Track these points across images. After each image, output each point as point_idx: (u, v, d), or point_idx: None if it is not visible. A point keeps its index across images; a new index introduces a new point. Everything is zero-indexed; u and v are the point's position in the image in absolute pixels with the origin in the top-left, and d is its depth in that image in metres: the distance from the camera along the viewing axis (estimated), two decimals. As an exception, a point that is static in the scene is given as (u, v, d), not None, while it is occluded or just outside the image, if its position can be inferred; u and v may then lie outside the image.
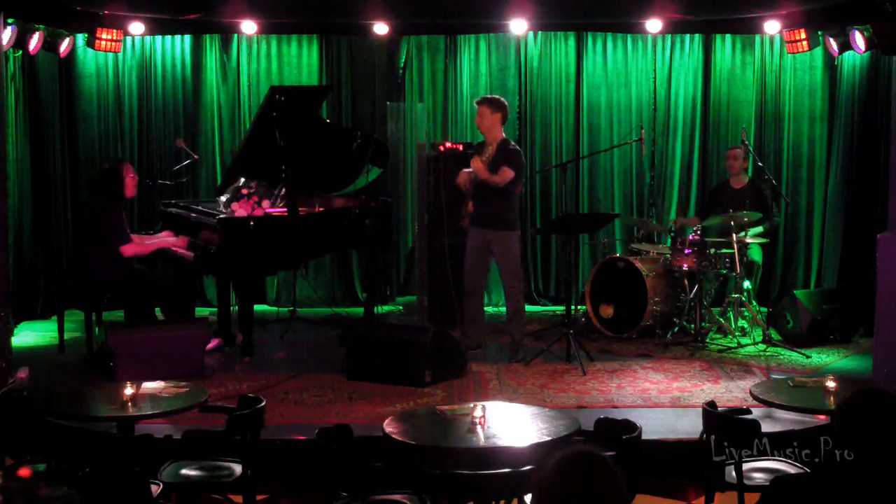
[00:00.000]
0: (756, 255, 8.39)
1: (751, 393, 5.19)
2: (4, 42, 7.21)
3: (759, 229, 8.32)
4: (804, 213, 9.41)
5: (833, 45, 8.53)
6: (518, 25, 8.98)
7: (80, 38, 9.00)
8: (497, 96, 7.81)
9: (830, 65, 9.16)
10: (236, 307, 7.64)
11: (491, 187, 7.35)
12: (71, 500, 2.40)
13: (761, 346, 7.87)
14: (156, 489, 4.38)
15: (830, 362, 7.58)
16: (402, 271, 9.85)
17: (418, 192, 8.80)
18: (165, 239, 7.72)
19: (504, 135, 7.57)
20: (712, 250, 8.11)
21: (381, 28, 9.00)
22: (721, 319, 8.20)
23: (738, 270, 7.95)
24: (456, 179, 7.64)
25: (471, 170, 7.53)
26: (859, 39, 7.99)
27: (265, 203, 7.49)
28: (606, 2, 8.70)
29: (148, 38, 9.34)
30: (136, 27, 8.80)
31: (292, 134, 7.61)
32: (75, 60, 9.25)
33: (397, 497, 4.27)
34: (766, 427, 4.59)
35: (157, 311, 7.59)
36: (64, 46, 8.60)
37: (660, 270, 8.27)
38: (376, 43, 9.50)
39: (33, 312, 8.97)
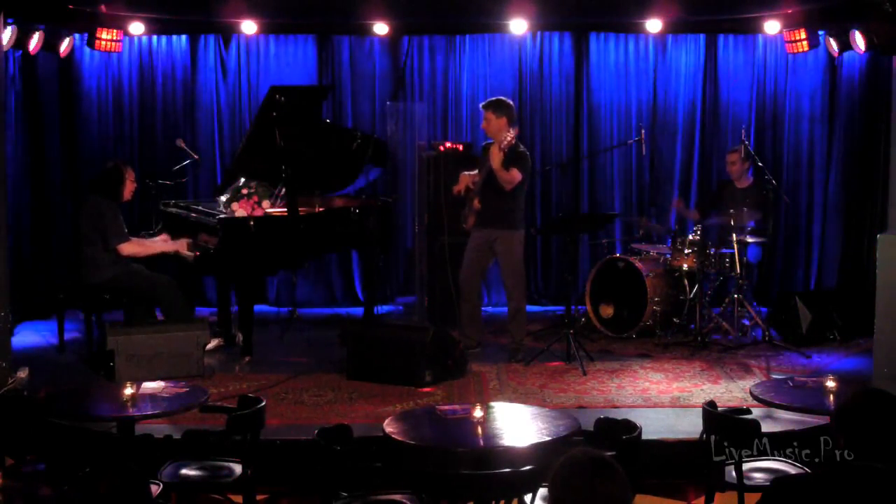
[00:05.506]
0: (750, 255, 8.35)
1: (751, 393, 5.19)
2: (4, 42, 7.20)
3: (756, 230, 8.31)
4: (804, 213, 9.40)
5: (833, 45, 8.53)
6: (518, 25, 8.98)
7: (80, 38, 8.99)
8: (501, 98, 7.69)
9: (830, 65, 9.16)
10: (236, 307, 7.65)
11: (497, 188, 7.34)
12: (71, 500, 2.40)
13: (761, 346, 7.87)
14: (156, 489, 4.38)
15: (830, 362, 7.59)
16: (402, 271, 9.85)
17: (418, 192, 8.80)
18: (167, 244, 7.63)
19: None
20: (712, 250, 8.11)
21: (381, 28, 9.01)
22: (721, 319, 8.20)
23: (738, 270, 7.95)
24: (456, 185, 7.64)
25: (472, 172, 7.56)
26: (859, 39, 7.99)
27: (265, 203, 7.48)
28: (606, 2, 8.70)
29: (148, 37, 9.34)
30: (136, 27, 8.80)
31: (292, 134, 7.60)
32: (75, 60, 9.25)
33: (397, 497, 4.26)
34: (766, 427, 4.59)
35: (157, 310, 7.59)
36: (64, 46, 8.60)
37: (660, 270, 8.27)
38: (376, 43, 9.50)
39: (33, 312, 8.97)
